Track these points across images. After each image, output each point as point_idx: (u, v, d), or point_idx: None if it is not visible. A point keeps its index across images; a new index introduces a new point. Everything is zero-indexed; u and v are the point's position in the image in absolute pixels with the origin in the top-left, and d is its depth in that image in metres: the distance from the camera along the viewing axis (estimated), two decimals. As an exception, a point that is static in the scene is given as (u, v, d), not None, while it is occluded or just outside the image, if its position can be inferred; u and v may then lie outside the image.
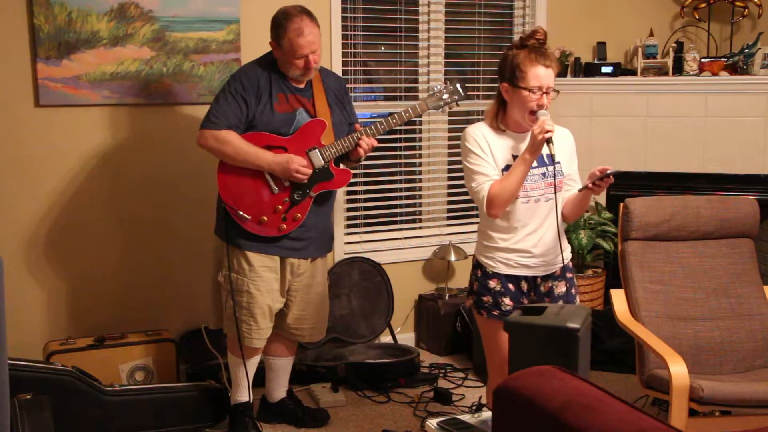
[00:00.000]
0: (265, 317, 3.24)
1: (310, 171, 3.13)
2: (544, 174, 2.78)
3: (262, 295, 3.21)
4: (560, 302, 2.86)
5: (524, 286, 2.86)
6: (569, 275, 2.92)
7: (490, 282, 2.84)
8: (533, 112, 2.71)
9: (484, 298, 2.85)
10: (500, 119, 2.81)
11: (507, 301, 2.83)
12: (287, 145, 3.15)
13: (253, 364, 3.36)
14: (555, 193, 2.77)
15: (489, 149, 2.77)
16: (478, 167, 2.76)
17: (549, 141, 2.66)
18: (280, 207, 3.17)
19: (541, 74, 2.69)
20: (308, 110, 3.21)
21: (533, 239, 2.80)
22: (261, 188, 3.16)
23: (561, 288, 2.88)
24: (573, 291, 2.93)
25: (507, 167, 2.76)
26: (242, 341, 3.25)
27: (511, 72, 2.73)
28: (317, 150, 3.17)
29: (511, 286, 2.84)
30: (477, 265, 2.91)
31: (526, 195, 2.77)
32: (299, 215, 3.20)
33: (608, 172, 2.63)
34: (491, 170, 2.76)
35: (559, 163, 2.79)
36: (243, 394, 3.37)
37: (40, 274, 3.74)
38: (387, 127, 3.25)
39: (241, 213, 3.14)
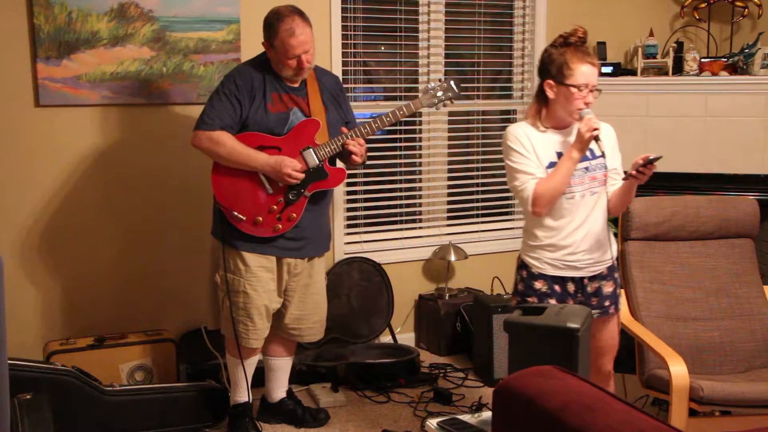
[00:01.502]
0: (262, 317, 3.24)
1: (302, 176, 3.13)
2: (587, 168, 2.79)
3: (258, 295, 3.21)
4: (607, 302, 2.88)
5: (571, 287, 2.85)
6: (616, 275, 2.92)
7: (536, 283, 2.83)
8: (579, 110, 2.73)
9: (529, 299, 2.83)
10: (544, 117, 2.82)
11: (552, 302, 2.80)
12: (281, 145, 3.15)
13: (251, 364, 3.36)
14: (606, 186, 2.78)
15: (532, 147, 2.77)
16: (521, 165, 2.76)
17: (597, 138, 2.69)
18: (275, 207, 3.17)
19: (587, 72, 2.71)
20: (303, 109, 3.20)
21: (579, 234, 2.80)
22: (255, 189, 3.15)
23: (608, 288, 2.88)
24: (617, 291, 2.93)
25: (551, 165, 2.76)
26: (240, 342, 3.24)
27: (558, 69, 2.74)
28: (311, 149, 3.17)
29: (557, 287, 2.83)
30: (522, 266, 2.89)
31: (570, 191, 2.76)
32: (294, 215, 3.19)
33: (651, 158, 2.62)
34: (534, 168, 2.76)
35: (602, 155, 2.80)
36: (242, 394, 3.37)
37: (40, 274, 3.74)
38: (381, 126, 3.25)
39: (236, 214, 3.14)
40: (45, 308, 3.76)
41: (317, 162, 3.17)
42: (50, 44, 3.57)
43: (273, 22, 3.09)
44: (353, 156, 3.20)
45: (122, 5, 3.69)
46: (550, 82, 2.76)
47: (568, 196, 2.76)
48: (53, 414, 2.81)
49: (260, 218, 3.15)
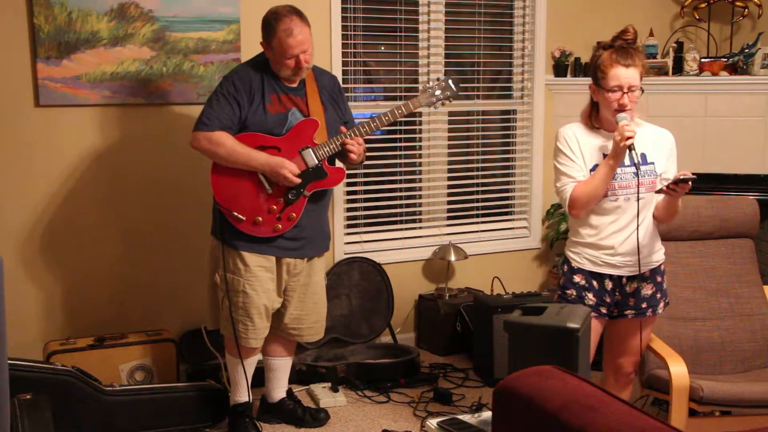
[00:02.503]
0: (262, 317, 3.24)
1: (298, 180, 3.13)
2: (635, 173, 2.78)
3: (258, 294, 3.21)
4: (644, 304, 2.89)
5: (608, 284, 2.87)
6: (659, 279, 2.93)
7: (575, 276, 2.88)
8: (616, 112, 2.74)
9: (568, 291, 2.88)
10: (594, 118, 2.85)
11: (590, 296, 2.85)
12: (280, 145, 3.15)
13: (251, 363, 3.36)
14: (638, 193, 2.77)
15: (579, 149, 2.81)
16: (565, 168, 2.82)
17: (630, 147, 2.68)
18: (274, 207, 3.17)
19: (620, 74, 2.71)
20: (301, 110, 3.20)
21: (619, 237, 2.81)
22: (255, 189, 3.15)
23: (647, 290, 2.89)
24: (658, 295, 2.92)
25: (594, 167, 2.79)
26: (239, 341, 3.24)
27: (594, 72, 2.79)
28: (310, 149, 3.17)
29: (594, 283, 2.86)
30: (565, 260, 2.95)
31: (613, 193, 2.78)
32: (294, 215, 3.19)
33: (682, 177, 2.63)
34: (576, 171, 2.80)
35: (652, 164, 2.81)
36: (242, 394, 3.37)
37: (40, 274, 3.73)
38: (380, 125, 3.25)
39: (235, 214, 3.13)
40: (45, 308, 3.76)
41: (316, 162, 3.17)
42: (50, 44, 3.57)
43: (271, 22, 3.09)
44: (350, 155, 3.20)
45: (122, 5, 3.69)
46: (592, 84, 2.81)
47: (611, 198, 2.79)
48: (53, 414, 2.81)
49: (260, 218, 3.15)
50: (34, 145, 3.64)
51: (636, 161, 2.70)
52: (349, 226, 4.45)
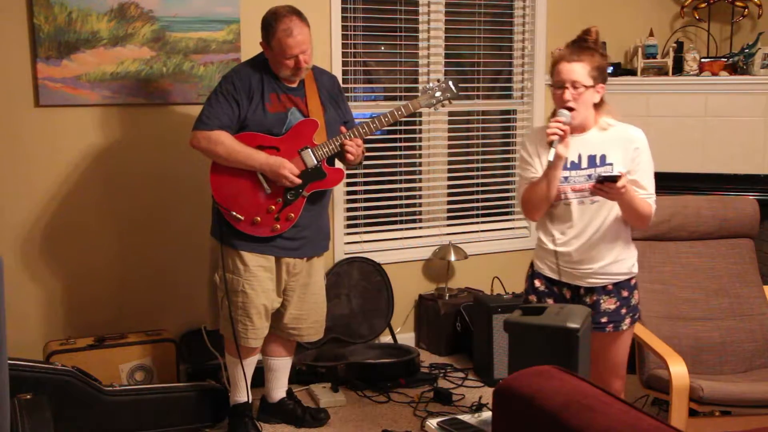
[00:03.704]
0: (261, 317, 3.24)
1: (299, 181, 3.13)
2: (589, 176, 2.67)
3: (257, 294, 3.21)
4: (604, 318, 2.76)
5: (567, 293, 2.79)
6: (625, 294, 2.78)
7: (536, 281, 2.84)
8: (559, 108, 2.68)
9: (530, 297, 2.84)
10: None
11: (551, 302, 2.76)
12: (279, 145, 3.15)
13: (250, 363, 3.36)
14: (563, 197, 2.71)
15: (537, 152, 2.75)
16: (522, 170, 2.81)
17: (551, 144, 2.57)
18: (273, 207, 3.17)
19: (562, 69, 2.66)
20: (301, 110, 3.20)
21: (576, 243, 2.71)
22: (254, 189, 3.15)
23: (608, 304, 2.76)
24: (623, 311, 2.78)
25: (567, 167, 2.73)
26: (238, 341, 3.24)
27: None
28: (309, 149, 3.17)
29: (555, 289, 2.80)
30: (531, 264, 2.91)
31: (566, 196, 2.69)
32: (292, 215, 3.19)
33: (603, 176, 2.54)
34: (531, 174, 2.75)
35: (611, 164, 2.67)
36: (242, 394, 3.37)
37: (40, 274, 3.74)
38: (379, 126, 3.25)
39: (234, 213, 3.14)
40: (45, 308, 3.76)
41: (315, 162, 3.17)
42: (50, 44, 3.57)
43: (271, 22, 3.10)
44: (348, 155, 3.20)
45: (122, 5, 3.69)
46: None
47: (564, 201, 2.70)
48: (53, 414, 2.81)
49: (258, 218, 3.15)
50: (33, 144, 3.64)
51: (549, 159, 2.58)
52: (349, 226, 4.45)
